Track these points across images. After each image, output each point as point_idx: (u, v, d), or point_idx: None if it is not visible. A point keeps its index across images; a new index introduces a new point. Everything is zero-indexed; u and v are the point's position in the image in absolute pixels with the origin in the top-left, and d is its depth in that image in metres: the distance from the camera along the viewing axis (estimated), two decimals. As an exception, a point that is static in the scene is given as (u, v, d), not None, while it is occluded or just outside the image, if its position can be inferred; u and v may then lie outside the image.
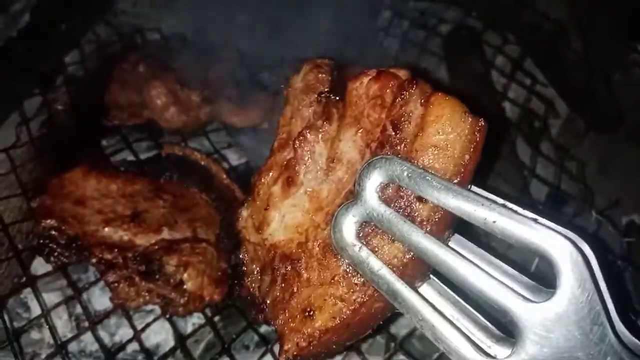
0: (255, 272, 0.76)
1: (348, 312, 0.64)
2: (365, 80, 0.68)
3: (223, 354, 0.95)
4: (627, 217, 1.28)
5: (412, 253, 0.60)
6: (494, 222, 0.52)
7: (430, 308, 0.57)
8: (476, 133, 0.60)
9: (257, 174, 0.76)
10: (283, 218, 0.72)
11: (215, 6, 1.79)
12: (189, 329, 1.08)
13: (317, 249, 0.68)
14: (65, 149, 1.24)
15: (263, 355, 0.96)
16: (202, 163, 1.18)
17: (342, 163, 0.69)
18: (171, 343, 1.07)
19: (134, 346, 1.01)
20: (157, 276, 0.94)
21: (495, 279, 0.53)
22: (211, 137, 1.38)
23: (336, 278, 0.65)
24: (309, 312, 0.66)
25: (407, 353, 0.98)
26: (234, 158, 1.37)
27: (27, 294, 1.06)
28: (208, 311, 1.04)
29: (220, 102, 1.33)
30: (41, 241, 0.95)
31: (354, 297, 0.64)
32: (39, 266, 1.09)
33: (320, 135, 0.71)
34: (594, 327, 0.50)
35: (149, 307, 1.01)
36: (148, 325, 0.96)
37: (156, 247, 1.00)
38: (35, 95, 1.33)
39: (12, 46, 1.53)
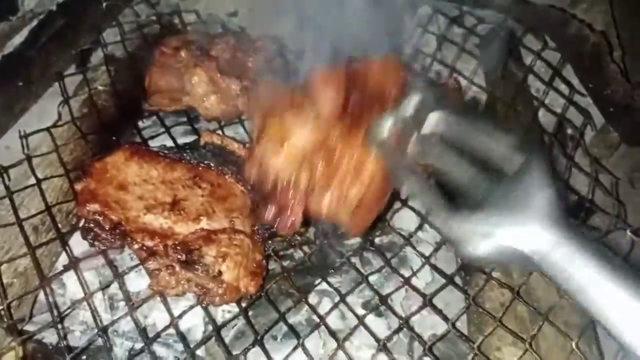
0: (289, 177, 0.87)
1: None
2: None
3: (255, 344, 0.98)
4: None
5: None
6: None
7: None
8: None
9: (260, 120, 0.92)
10: (301, 132, 0.86)
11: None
12: (219, 316, 1.11)
13: (339, 134, 0.86)
14: (105, 129, 1.26)
15: (294, 349, 0.99)
16: (239, 153, 1.20)
17: (325, 103, 0.88)
18: (201, 328, 1.11)
19: (168, 330, 1.04)
20: (196, 266, 0.96)
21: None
22: (246, 124, 1.39)
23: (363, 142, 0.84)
24: (360, 164, 0.84)
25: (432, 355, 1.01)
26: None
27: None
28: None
29: (257, 92, 1.34)
30: (87, 225, 0.97)
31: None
32: (75, 245, 1.11)
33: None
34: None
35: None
36: (185, 312, 0.98)
37: (195, 236, 1.02)
38: (75, 74, 1.34)
39: (51, 19, 1.55)
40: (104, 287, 1.01)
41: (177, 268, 0.96)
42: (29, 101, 1.45)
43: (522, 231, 0.65)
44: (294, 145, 0.86)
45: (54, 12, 1.54)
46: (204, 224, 1.05)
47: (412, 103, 0.81)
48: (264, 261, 1.06)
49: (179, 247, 0.98)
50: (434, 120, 0.81)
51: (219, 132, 1.33)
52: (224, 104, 1.27)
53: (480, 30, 1.52)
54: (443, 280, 1.10)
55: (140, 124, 1.39)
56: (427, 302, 1.05)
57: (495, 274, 1.10)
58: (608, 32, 1.54)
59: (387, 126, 0.82)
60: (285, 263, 1.19)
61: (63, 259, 1.13)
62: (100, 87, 1.30)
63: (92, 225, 0.97)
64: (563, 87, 1.37)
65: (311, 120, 0.87)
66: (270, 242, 1.16)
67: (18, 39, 1.48)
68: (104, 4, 1.48)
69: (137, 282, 1.13)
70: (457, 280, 1.12)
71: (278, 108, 0.90)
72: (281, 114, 0.89)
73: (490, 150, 0.73)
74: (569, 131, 1.38)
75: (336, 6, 1.57)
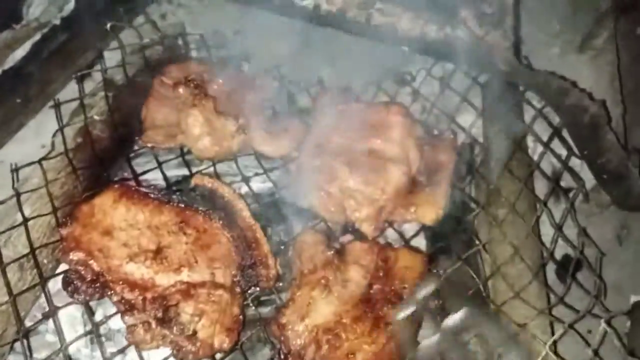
0: (299, 348, 1.04)
1: (378, 348, 1.01)
2: (358, 245, 1.17)
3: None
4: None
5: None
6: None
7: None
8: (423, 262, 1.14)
9: (295, 287, 1.11)
10: (321, 310, 1.06)
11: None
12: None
13: (349, 320, 1.04)
14: (98, 163, 1.26)
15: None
16: (229, 198, 1.20)
17: (352, 282, 1.10)
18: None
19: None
20: (172, 324, 0.97)
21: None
22: (240, 160, 1.38)
23: (365, 333, 1.03)
24: (351, 355, 1.00)
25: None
26: (260, 186, 1.38)
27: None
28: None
29: (253, 130, 1.34)
30: (67, 277, 0.98)
31: (380, 340, 1.02)
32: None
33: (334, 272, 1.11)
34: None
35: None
36: (159, 363, 1.00)
37: (174, 289, 1.03)
38: (72, 100, 1.34)
39: (54, 33, 1.54)
40: (80, 337, 1.02)
41: (154, 325, 0.98)
42: (26, 118, 1.46)
43: None
44: (311, 323, 1.04)
45: (57, 27, 1.54)
46: (185, 275, 1.06)
47: (427, 290, 1.10)
48: (240, 316, 1.07)
49: (157, 302, 0.99)
50: (459, 318, 1.09)
51: (211, 168, 1.33)
52: (218, 146, 1.27)
53: (483, 79, 1.51)
54: None
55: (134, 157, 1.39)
56: None
57: None
58: (612, 84, 1.53)
59: (406, 314, 1.07)
60: (266, 310, 1.20)
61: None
62: (96, 117, 1.30)
63: (73, 277, 0.98)
64: (557, 147, 1.36)
65: (333, 300, 1.07)
66: (251, 289, 1.17)
67: (20, 52, 1.49)
68: (108, 25, 1.46)
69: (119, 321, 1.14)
70: None
71: (313, 272, 1.11)
72: (313, 285, 1.09)
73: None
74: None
75: (340, 44, 1.57)
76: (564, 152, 1.32)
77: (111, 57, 1.51)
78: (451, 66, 1.51)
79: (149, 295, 1.01)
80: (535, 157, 1.37)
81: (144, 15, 1.64)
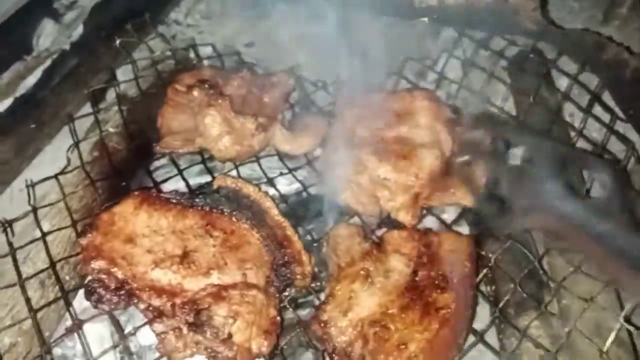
0: (344, 345, 0.96)
1: (431, 335, 0.91)
2: (396, 233, 1.08)
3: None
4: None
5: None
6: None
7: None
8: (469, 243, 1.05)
9: (335, 280, 1.03)
10: (364, 302, 0.98)
11: (269, 18, 1.74)
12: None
13: (396, 310, 0.95)
14: (115, 174, 1.21)
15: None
16: (255, 197, 1.13)
17: (395, 272, 1.02)
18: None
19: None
20: (205, 328, 0.89)
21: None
22: (263, 162, 1.33)
23: (415, 321, 0.93)
24: (403, 345, 0.91)
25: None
26: (286, 186, 1.31)
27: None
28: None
29: (273, 129, 1.28)
30: (90, 286, 0.92)
31: (432, 326, 0.92)
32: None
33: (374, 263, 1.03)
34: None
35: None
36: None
37: (205, 293, 0.96)
38: (86, 116, 1.31)
39: (64, 58, 1.52)
40: (107, 351, 0.94)
41: (185, 330, 0.90)
42: (42, 143, 1.42)
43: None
44: (354, 317, 0.96)
45: (67, 52, 1.52)
46: (215, 278, 0.99)
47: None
48: (278, 318, 0.99)
49: (187, 307, 0.92)
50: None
51: (234, 172, 1.27)
52: (239, 145, 1.21)
53: (509, 54, 1.43)
54: None
55: (157, 163, 1.34)
56: None
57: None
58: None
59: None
60: (304, 312, 1.12)
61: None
62: (111, 129, 1.26)
63: (95, 285, 0.92)
64: (600, 112, 1.27)
65: (376, 292, 0.98)
66: (286, 291, 1.09)
67: (31, 79, 1.47)
68: (117, 42, 1.44)
69: (150, 334, 1.07)
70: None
71: (351, 264, 1.03)
72: (352, 277, 1.00)
73: None
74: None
75: (355, 32, 1.51)
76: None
77: (124, 74, 1.49)
78: (473, 45, 1.45)
79: (178, 300, 0.94)
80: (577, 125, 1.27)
81: (154, 32, 1.61)
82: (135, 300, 0.93)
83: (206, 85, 1.22)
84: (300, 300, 1.14)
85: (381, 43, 1.52)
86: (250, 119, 1.23)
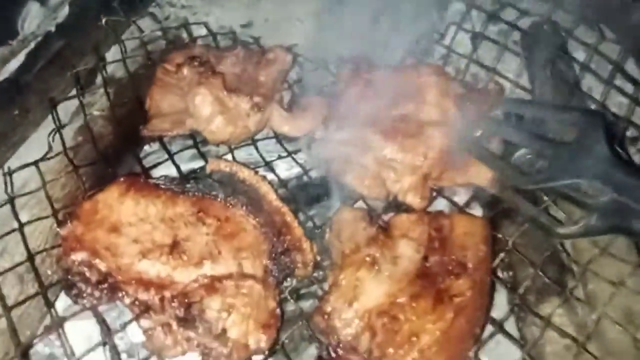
0: (350, 339, 0.87)
1: (445, 325, 0.83)
2: (404, 217, 0.99)
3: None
4: None
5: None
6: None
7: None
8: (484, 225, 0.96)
9: (338, 268, 0.94)
10: (371, 291, 0.89)
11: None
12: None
13: (406, 299, 0.87)
14: (101, 159, 1.13)
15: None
16: (251, 181, 1.05)
17: (404, 258, 0.93)
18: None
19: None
20: (197, 323, 0.81)
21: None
22: (260, 146, 1.24)
23: (428, 310, 0.85)
24: (414, 337, 0.82)
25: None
26: (285, 170, 1.23)
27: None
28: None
29: (270, 109, 1.19)
30: (69, 279, 0.83)
31: (447, 315, 0.84)
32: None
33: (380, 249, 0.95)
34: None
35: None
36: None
37: (197, 285, 0.87)
38: (70, 98, 1.23)
39: (49, 41, 1.44)
40: (90, 350, 0.86)
41: (175, 326, 0.82)
42: (27, 130, 1.34)
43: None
44: (360, 307, 0.88)
45: (52, 34, 1.44)
46: (208, 268, 0.91)
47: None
48: (278, 310, 0.91)
49: (177, 301, 0.83)
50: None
51: (229, 156, 1.19)
52: (232, 126, 1.12)
53: (522, 25, 1.34)
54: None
55: (147, 148, 1.26)
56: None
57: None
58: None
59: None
60: (307, 303, 1.04)
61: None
62: (96, 113, 1.17)
63: (75, 279, 0.84)
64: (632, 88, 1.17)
65: (384, 280, 0.90)
66: (287, 281, 1.01)
67: (14, 63, 1.39)
68: (103, 20, 1.35)
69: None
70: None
71: (356, 251, 0.94)
72: (357, 265, 0.92)
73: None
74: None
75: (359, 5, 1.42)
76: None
77: (113, 56, 1.39)
78: (483, 17, 1.35)
79: (167, 294, 0.86)
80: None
81: (144, 11, 1.52)
82: (121, 295, 0.85)
83: (196, 63, 1.14)
84: (302, 291, 1.07)
85: (384, 19, 1.44)
86: (245, 98, 1.14)
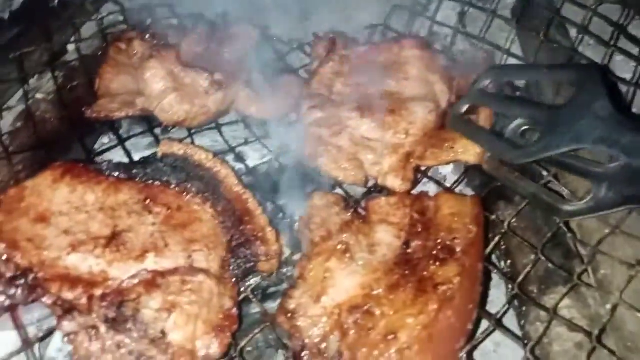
0: (317, 340, 0.74)
1: (428, 319, 0.70)
2: (383, 200, 0.88)
3: None
4: None
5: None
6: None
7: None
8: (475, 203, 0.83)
9: (306, 259, 0.82)
10: (342, 283, 0.77)
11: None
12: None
13: (383, 290, 0.75)
14: (41, 146, 1.00)
15: None
16: (208, 165, 0.92)
17: (382, 246, 0.81)
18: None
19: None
20: (129, 325, 0.67)
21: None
22: (225, 131, 1.12)
23: (408, 302, 0.72)
24: (391, 335, 0.70)
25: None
26: (254, 157, 1.10)
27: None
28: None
29: (235, 89, 1.06)
30: (-23, 276, 0.70)
31: (430, 307, 0.71)
32: None
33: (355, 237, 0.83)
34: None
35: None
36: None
37: (135, 281, 0.74)
38: (10, 81, 1.11)
39: (2, 29, 1.33)
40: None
41: (103, 329, 0.68)
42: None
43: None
44: (329, 302, 0.76)
45: (5, 22, 1.32)
46: (151, 262, 0.77)
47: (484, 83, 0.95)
48: (235, 310, 0.77)
49: (107, 300, 0.70)
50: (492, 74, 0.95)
51: (188, 140, 1.06)
52: (188, 104, 0.99)
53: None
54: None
55: (106, 140, 1.14)
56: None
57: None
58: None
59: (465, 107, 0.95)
60: (274, 304, 0.90)
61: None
62: (39, 96, 1.04)
63: (-15, 275, 0.70)
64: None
65: (358, 270, 0.78)
66: (249, 278, 0.88)
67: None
68: (56, 2, 1.23)
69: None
70: None
71: (327, 239, 0.83)
72: (328, 254, 0.80)
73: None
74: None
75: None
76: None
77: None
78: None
79: (97, 292, 0.72)
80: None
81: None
82: (41, 292, 0.71)
83: (148, 36, 1.01)
84: (270, 290, 0.93)
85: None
86: (204, 74, 1.01)
